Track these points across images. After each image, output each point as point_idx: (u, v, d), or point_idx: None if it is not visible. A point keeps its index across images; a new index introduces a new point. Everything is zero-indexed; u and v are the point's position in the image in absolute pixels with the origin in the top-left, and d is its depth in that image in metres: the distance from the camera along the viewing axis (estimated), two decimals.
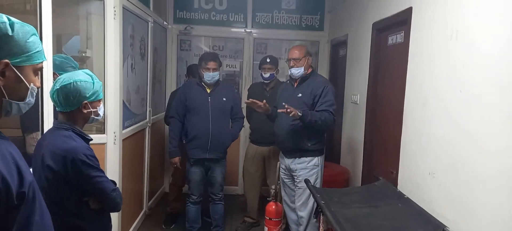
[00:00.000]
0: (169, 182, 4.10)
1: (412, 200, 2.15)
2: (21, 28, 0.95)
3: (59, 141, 1.60)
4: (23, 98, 1.00)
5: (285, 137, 2.79)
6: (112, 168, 2.75)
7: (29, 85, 0.99)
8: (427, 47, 2.21)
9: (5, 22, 0.92)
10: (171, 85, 4.51)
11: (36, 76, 1.03)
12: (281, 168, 2.96)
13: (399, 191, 2.33)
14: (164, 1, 4.38)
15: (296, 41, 4.52)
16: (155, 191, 4.13)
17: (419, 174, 2.22)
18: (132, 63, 3.20)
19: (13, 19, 0.94)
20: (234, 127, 3.24)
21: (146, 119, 3.64)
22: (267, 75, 3.44)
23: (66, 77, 1.64)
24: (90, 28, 2.91)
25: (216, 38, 4.68)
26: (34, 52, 0.98)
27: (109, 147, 2.76)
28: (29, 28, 0.98)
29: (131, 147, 3.20)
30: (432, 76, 2.14)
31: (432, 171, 2.07)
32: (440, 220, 1.85)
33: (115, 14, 2.71)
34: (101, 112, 1.75)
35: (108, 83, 2.71)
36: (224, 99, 3.13)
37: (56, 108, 1.70)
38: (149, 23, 3.64)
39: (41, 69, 1.03)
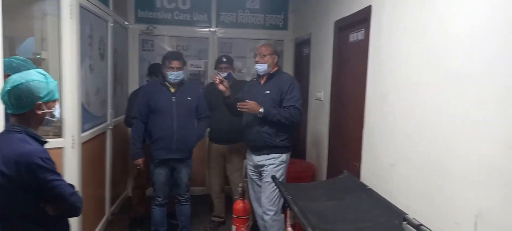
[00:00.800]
0: (132, 186, 3.98)
1: (375, 190, 2.22)
2: None
3: (11, 144, 1.50)
4: None
5: (254, 135, 2.80)
6: (71, 173, 2.63)
7: None
8: (386, 44, 2.30)
9: None
10: (133, 87, 4.38)
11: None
12: (248, 165, 2.95)
13: (362, 182, 2.40)
14: (124, 0, 4.25)
15: (260, 40, 4.54)
16: (118, 195, 3.99)
17: (380, 166, 2.30)
18: (90, 64, 3.07)
19: None
20: (200, 126, 3.20)
21: (107, 121, 3.51)
22: (224, 74, 3.45)
23: (18, 78, 1.54)
24: (45, 29, 2.76)
25: (180, 38, 4.61)
26: None
27: (67, 151, 2.63)
28: None
29: (91, 150, 3.07)
30: (391, 72, 2.23)
31: (393, 162, 2.15)
32: (401, 209, 1.92)
33: (71, 13, 2.60)
34: (57, 114, 1.66)
35: (65, 85, 2.59)
36: (189, 98, 3.08)
37: (8, 110, 1.59)
38: (109, 22, 3.52)
39: None
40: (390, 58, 2.25)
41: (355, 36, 2.89)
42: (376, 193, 2.18)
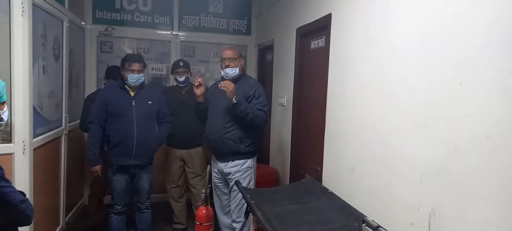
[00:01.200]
0: (88, 194, 3.80)
1: (336, 194, 2.28)
2: None
3: None
4: None
5: (218, 141, 2.75)
6: (21, 180, 2.46)
7: None
8: (345, 51, 2.38)
9: None
10: (90, 89, 4.19)
11: None
12: (213, 172, 2.92)
13: (324, 186, 2.46)
14: None
15: (224, 44, 4.53)
16: (73, 204, 3.79)
17: (341, 170, 2.37)
18: (44, 65, 2.90)
19: None
20: (161, 130, 3.12)
21: (61, 125, 3.33)
22: (182, 78, 3.43)
23: None
24: None
25: (141, 40, 4.50)
26: None
27: (18, 158, 2.47)
28: None
29: (44, 156, 2.90)
30: (350, 78, 2.31)
31: (353, 166, 2.22)
32: (361, 211, 1.99)
33: (23, 11, 2.44)
34: (5, 116, 1.56)
35: (16, 87, 2.43)
36: (150, 102, 3.00)
37: None
38: (64, 22, 3.35)
39: None
40: (348, 65, 2.34)
41: (316, 43, 2.97)
42: (337, 196, 2.24)
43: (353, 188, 2.21)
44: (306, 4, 3.06)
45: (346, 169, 2.30)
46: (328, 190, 2.36)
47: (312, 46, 3.04)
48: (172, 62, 4.45)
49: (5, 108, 1.58)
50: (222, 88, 2.56)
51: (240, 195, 2.66)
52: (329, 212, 2.05)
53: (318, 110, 2.76)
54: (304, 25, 3.08)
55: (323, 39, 2.81)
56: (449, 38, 1.51)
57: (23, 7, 2.44)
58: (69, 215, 3.61)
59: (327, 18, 2.62)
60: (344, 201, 2.16)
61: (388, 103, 1.91)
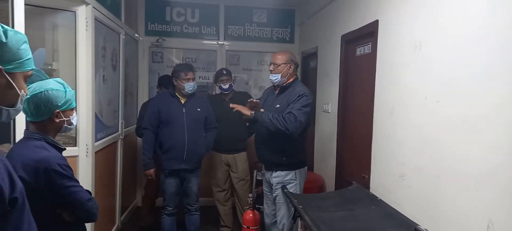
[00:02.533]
0: (141, 195, 4.02)
1: (385, 201, 2.25)
2: (14, 36, 0.95)
3: (30, 151, 1.55)
4: (13, 105, 0.99)
5: (261, 151, 2.78)
6: (85, 181, 2.67)
7: (20, 92, 0.98)
8: (393, 58, 2.36)
9: None
10: (143, 98, 4.46)
11: (25, 84, 1.02)
12: (263, 180, 2.95)
13: (372, 193, 2.43)
14: (135, 13, 4.36)
15: (267, 53, 4.64)
16: (127, 205, 4.03)
17: (389, 177, 2.33)
18: (104, 75, 3.15)
19: (6, 26, 0.94)
20: (208, 136, 3.26)
21: (118, 131, 3.57)
22: (226, 86, 3.56)
23: (37, 86, 1.60)
24: (56, 40, 2.84)
25: (189, 50, 4.70)
26: (26, 60, 0.98)
27: (81, 160, 2.69)
28: (21, 35, 0.98)
29: (103, 159, 3.12)
30: (398, 85, 2.28)
31: (402, 174, 2.19)
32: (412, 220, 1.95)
33: (87, 26, 2.68)
34: (74, 122, 1.71)
35: (80, 95, 2.66)
36: (199, 109, 3.15)
37: (27, 118, 1.65)
38: (121, 35, 3.61)
39: (30, 76, 1.03)
40: (395, 71, 2.31)
41: (362, 49, 2.95)
42: (386, 204, 2.21)
43: (403, 196, 2.17)
44: (351, 11, 3.06)
45: (394, 176, 2.27)
46: (377, 197, 2.33)
47: (358, 53, 3.03)
48: (217, 70, 4.64)
49: (75, 114, 1.73)
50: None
51: (284, 205, 2.67)
52: (378, 220, 2.03)
53: (364, 117, 2.74)
54: (350, 32, 3.07)
55: (369, 45, 2.79)
56: (502, 43, 1.47)
57: (87, 22, 2.68)
58: (124, 215, 3.84)
59: (374, 25, 2.61)
60: (394, 209, 2.12)
61: (437, 111, 1.87)
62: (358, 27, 2.91)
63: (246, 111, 2.57)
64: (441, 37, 1.88)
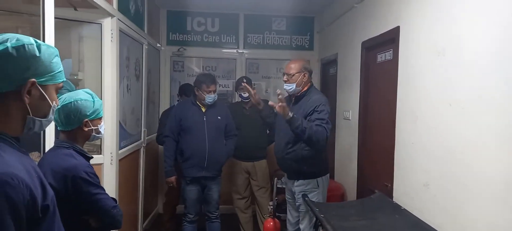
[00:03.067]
0: (163, 202, 4.07)
1: (409, 211, 2.21)
2: (47, 50, 1.00)
3: (59, 159, 1.61)
4: (45, 116, 1.03)
5: (281, 160, 2.76)
6: (109, 188, 2.74)
7: (52, 103, 1.03)
8: (416, 64, 2.32)
9: (33, 44, 0.97)
10: (164, 106, 4.54)
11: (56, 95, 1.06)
12: (286, 187, 2.95)
13: (396, 202, 2.38)
14: (157, 24, 4.46)
15: (286, 60, 4.63)
16: (149, 212, 4.10)
17: (413, 186, 2.29)
18: (128, 84, 3.23)
19: (39, 41, 0.99)
20: (228, 144, 3.29)
21: (140, 139, 3.65)
22: (246, 94, 3.56)
23: (67, 97, 1.67)
24: (82, 51, 2.94)
25: (209, 59, 4.77)
26: (57, 72, 1.03)
27: (106, 167, 2.76)
28: (53, 49, 1.03)
29: (127, 167, 3.19)
30: (421, 91, 2.24)
31: (427, 182, 2.14)
32: (437, 230, 1.90)
33: (112, 37, 2.76)
34: (102, 130, 1.77)
35: (105, 104, 2.73)
36: (219, 117, 3.18)
37: (58, 127, 1.72)
38: (144, 45, 3.70)
39: (61, 88, 1.07)
40: (418, 78, 2.28)
41: (383, 56, 2.92)
42: (410, 213, 2.17)
43: (427, 205, 2.12)
44: (371, 17, 3.04)
45: (418, 185, 2.22)
46: (401, 206, 2.28)
47: (379, 59, 3.00)
48: (237, 79, 4.69)
49: (102, 123, 1.79)
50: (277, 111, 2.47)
51: (307, 216, 2.65)
52: (402, 229, 1.99)
53: (386, 124, 2.70)
54: (370, 38, 3.05)
55: (391, 52, 2.76)
56: None
57: (112, 34, 2.76)
58: (146, 221, 3.90)
59: (395, 31, 2.58)
60: (418, 218, 2.08)
61: (462, 119, 1.84)
62: (378, 34, 2.89)
63: (286, 110, 2.43)
64: (466, 42, 1.84)
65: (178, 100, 3.98)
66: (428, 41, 2.19)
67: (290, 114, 2.44)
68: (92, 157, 1.77)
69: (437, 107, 2.07)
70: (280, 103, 2.41)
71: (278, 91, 2.48)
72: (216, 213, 3.23)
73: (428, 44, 2.19)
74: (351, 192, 3.38)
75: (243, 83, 3.55)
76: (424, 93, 2.21)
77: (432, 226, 1.95)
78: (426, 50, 2.21)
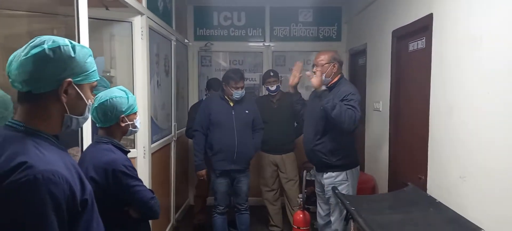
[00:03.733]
0: (193, 194, 4.16)
1: (444, 204, 2.14)
2: (81, 50, 1.04)
3: (100, 154, 1.68)
4: (82, 113, 1.08)
5: (310, 153, 2.76)
6: (143, 181, 2.81)
7: (87, 102, 1.07)
8: (450, 53, 2.23)
9: (68, 45, 1.01)
10: (193, 100, 4.62)
11: (91, 94, 1.11)
12: (315, 179, 2.95)
13: (430, 195, 2.32)
14: (185, 20, 4.53)
15: (314, 52, 4.57)
16: (181, 203, 4.20)
17: (449, 179, 2.21)
18: (158, 80, 3.31)
19: (74, 42, 1.03)
20: (256, 137, 3.31)
21: (171, 133, 3.74)
22: (274, 87, 3.58)
23: (103, 95, 1.74)
24: (114, 49, 3.04)
25: (235, 53, 4.79)
26: (91, 72, 1.07)
27: (140, 161, 2.85)
28: (87, 50, 1.07)
29: (159, 160, 3.28)
30: (456, 81, 2.16)
31: (463, 175, 2.07)
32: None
33: (142, 35, 2.83)
34: (138, 124, 1.84)
35: (137, 100, 2.80)
36: (247, 111, 3.20)
37: (97, 124, 1.79)
38: (172, 41, 3.77)
39: (95, 87, 1.12)
40: (455, 67, 2.19)
41: (415, 45, 2.83)
42: (446, 207, 2.10)
43: (464, 198, 2.05)
44: (402, 5, 2.95)
45: (454, 178, 2.14)
46: (436, 199, 2.22)
47: (411, 48, 2.90)
48: (264, 72, 4.68)
49: (138, 117, 1.86)
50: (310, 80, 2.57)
51: (338, 209, 2.63)
52: (438, 224, 1.94)
53: (419, 115, 2.62)
54: (401, 27, 2.96)
55: (423, 40, 2.66)
56: None
57: (142, 32, 2.83)
58: (178, 213, 4.01)
59: (428, 19, 2.49)
60: (455, 212, 2.01)
61: (500, 111, 1.74)
62: (410, 22, 2.79)
63: (320, 81, 2.53)
64: (505, 30, 1.74)
65: (206, 95, 4.04)
66: (463, 29, 2.09)
67: (323, 87, 2.48)
68: (130, 151, 1.84)
69: (474, 99, 1.98)
70: (314, 74, 2.50)
71: (308, 73, 2.55)
72: (246, 205, 3.28)
73: (463, 32, 2.09)
74: (383, 185, 3.31)
75: (269, 79, 3.54)
76: (459, 83, 2.12)
77: (469, 219, 1.89)
78: (461, 39, 2.11)
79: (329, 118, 2.48)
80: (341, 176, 2.66)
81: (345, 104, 2.49)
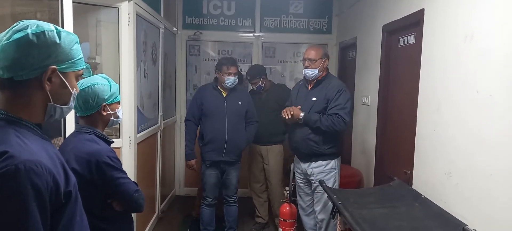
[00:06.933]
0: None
1: (430, 199, 2.16)
2: (66, 36, 0.99)
3: (82, 144, 1.62)
4: (66, 103, 1.03)
5: (300, 142, 2.79)
6: (127, 171, 2.68)
7: (72, 91, 1.02)
8: (440, 49, 2.24)
9: (53, 31, 0.95)
10: (181, 90, 4.55)
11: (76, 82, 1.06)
12: (296, 172, 2.96)
13: (416, 190, 2.34)
14: (173, 7, 4.43)
15: (304, 44, 4.56)
16: (166, 194, 4.16)
17: (435, 174, 2.23)
18: (144, 69, 3.24)
19: (59, 27, 0.98)
20: (249, 130, 3.28)
21: (158, 123, 3.68)
22: (255, 88, 3.65)
23: (84, 82, 1.67)
24: (99, 35, 2.95)
25: (225, 43, 4.73)
26: (77, 59, 1.02)
27: (125, 151, 2.80)
28: (73, 36, 1.01)
29: (144, 150, 3.23)
30: (445, 78, 2.16)
31: (449, 171, 2.08)
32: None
33: (129, 21, 2.76)
34: (120, 115, 1.77)
35: (123, 89, 2.75)
36: (240, 103, 3.17)
37: (77, 113, 1.73)
38: (160, 29, 3.69)
39: (81, 75, 1.07)
40: (444, 63, 2.19)
41: (406, 40, 2.83)
42: (432, 202, 2.12)
43: (449, 194, 2.07)
44: (394, 0, 2.94)
45: (440, 173, 2.16)
46: (421, 194, 2.24)
47: (401, 43, 2.90)
48: (253, 63, 4.64)
49: (120, 107, 1.80)
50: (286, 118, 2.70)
51: (325, 195, 2.66)
52: (423, 219, 1.96)
53: (407, 110, 2.64)
54: (392, 21, 2.95)
55: (414, 35, 2.67)
56: None
57: (129, 18, 2.76)
58: (163, 203, 3.97)
59: (420, 14, 2.48)
60: (440, 208, 2.03)
61: (490, 106, 1.76)
62: (401, 17, 2.78)
63: (298, 112, 2.68)
64: (496, 27, 1.75)
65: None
66: (455, 25, 2.09)
67: (301, 115, 2.66)
68: (113, 142, 1.78)
69: (463, 95, 1.99)
70: (288, 116, 2.67)
71: (283, 116, 2.71)
72: (234, 197, 3.26)
73: (455, 28, 2.09)
74: (369, 179, 3.34)
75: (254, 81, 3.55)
76: (449, 79, 2.13)
77: (455, 215, 1.91)
78: (452, 35, 2.11)
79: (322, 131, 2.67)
80: (331, 164, 2.76)
81: (339, 104, 2.67)
